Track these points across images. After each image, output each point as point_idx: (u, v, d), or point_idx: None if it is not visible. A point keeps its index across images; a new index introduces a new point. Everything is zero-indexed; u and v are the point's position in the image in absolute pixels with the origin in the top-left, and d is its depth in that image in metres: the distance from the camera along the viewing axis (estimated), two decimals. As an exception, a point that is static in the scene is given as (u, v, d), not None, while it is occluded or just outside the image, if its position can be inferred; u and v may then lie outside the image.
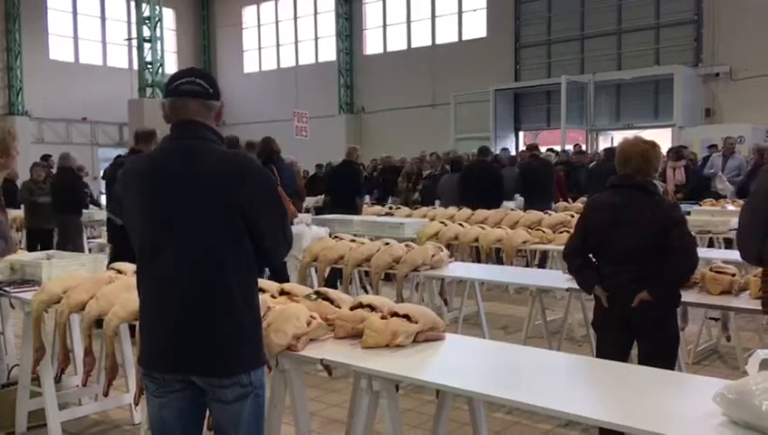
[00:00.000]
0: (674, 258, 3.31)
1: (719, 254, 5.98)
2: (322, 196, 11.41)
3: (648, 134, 17.43)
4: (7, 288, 4.30)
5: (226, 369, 2.29)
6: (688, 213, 8.57)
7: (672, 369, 3.27)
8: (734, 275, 4.12)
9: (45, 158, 12.43)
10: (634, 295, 3.32)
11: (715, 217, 7.91)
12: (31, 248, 9.17)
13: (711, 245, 7.79)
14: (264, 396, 2.46)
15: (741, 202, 9.39)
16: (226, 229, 2.29)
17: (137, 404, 3.64)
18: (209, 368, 2.29)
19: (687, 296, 4.16)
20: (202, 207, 2.28)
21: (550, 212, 8.22)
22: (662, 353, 3.31)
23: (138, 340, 2.56)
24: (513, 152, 15.33)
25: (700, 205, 9.45)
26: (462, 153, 13.11)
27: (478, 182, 9.41)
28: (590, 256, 3.57)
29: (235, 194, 2.28)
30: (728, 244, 7.40)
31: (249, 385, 2.33)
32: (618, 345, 3.40)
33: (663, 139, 15.53)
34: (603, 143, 17.93)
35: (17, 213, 10.42)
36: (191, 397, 2.37)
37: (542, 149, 14.72)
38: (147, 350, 2.37)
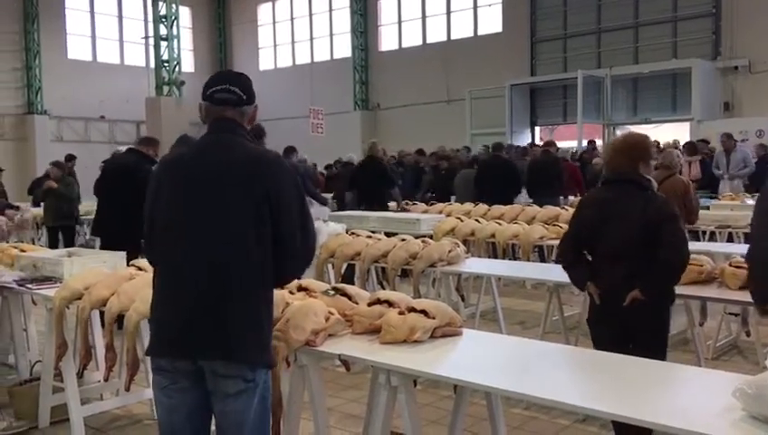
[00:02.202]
0: (664, 254, 3.26)
1: (738, 248, 5.93)
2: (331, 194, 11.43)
3: (666, 128, 17.36)
4: (30, 285, 4.37)
5: (232, 352, 2.29)
6: (707, 208, 8.51)
7: None
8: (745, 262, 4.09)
9: (70, 158, 12.45)
10: (626, 292, 3.27)
11: (735, 211, 7.84)
12: (52, 245, 9.31)
13: (730, 239, 7.72)
14: (269, 403, 2.47)
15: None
16: (253, 220, 2.34)
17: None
18: (215, 350, 2.30)
19: (707, 292, 4.15)
20: (230, 197, 2.35)
21: (567, 207, 8.20)
22: (654, 353, 3.14)
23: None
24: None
25: (719, 199, 9.37)
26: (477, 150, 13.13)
27: (494, 179, 9.41)
28: (584, 252, 3.54)
29: (262, 184, 2.35)
30: (748, 238, 7.33)
31: (252, 381, 2.33)
32: (613, 342, 3.26)
33: (681, 133, 15.41)
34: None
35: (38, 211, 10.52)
36: (200, 398, 2.38)
37: (562, 143, 14.61)
38: (159, 336, 2.39)
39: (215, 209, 2.34)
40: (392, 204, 9.35)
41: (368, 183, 9.18)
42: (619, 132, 18.24)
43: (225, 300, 2.30)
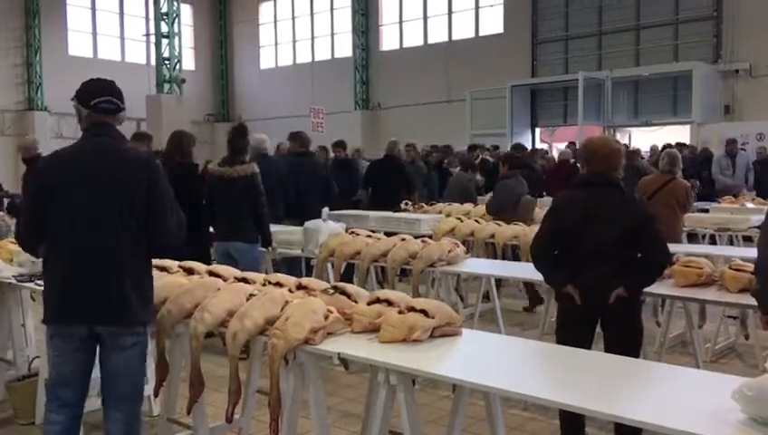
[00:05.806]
0: (650, 254, 3.44)
1: (738, 251, 5.93)
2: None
3: (666, 131, 17.33)
4: (28, 283, 4.37)
5: (121, 315, 2.89)
6: (706, 210, 8.52)
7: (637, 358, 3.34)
8: (753, 273, 4.09)
9: None
10: (608, 291, 3.37)
11: (735, 214, 7.84)
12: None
13: (730, 242, 7.72)
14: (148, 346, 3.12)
15: (761, 199, 9.34)
16: (135, 209, 2.88)
17: (156, 395, 3.69)
18: (108, 316, 2.88)
19: (706, 294, 4.14)
20: (116, 191, 2.87)
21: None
22: (629, 344, 3.37)
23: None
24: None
25: (718, 202, 9.37)
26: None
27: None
28: (556, 253, 3.61)
29: (141, 179, 2.89)
30: (747, 241, 7.34)
31: (143, 334, 3.00)
32: (580, 340, 3.30)
33: (682, 136, 15.41)
34: (621, 140, 17.80)
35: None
36: (88, 355, 2.96)
37: (562, 145, 14.62)
38: (58, 308, 2.91)
39: (103, 201, 2.87)
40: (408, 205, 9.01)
41: (384, 183, 8.98)
42: (618, 135, 18.25)
43: (113, 274, 2.86)
